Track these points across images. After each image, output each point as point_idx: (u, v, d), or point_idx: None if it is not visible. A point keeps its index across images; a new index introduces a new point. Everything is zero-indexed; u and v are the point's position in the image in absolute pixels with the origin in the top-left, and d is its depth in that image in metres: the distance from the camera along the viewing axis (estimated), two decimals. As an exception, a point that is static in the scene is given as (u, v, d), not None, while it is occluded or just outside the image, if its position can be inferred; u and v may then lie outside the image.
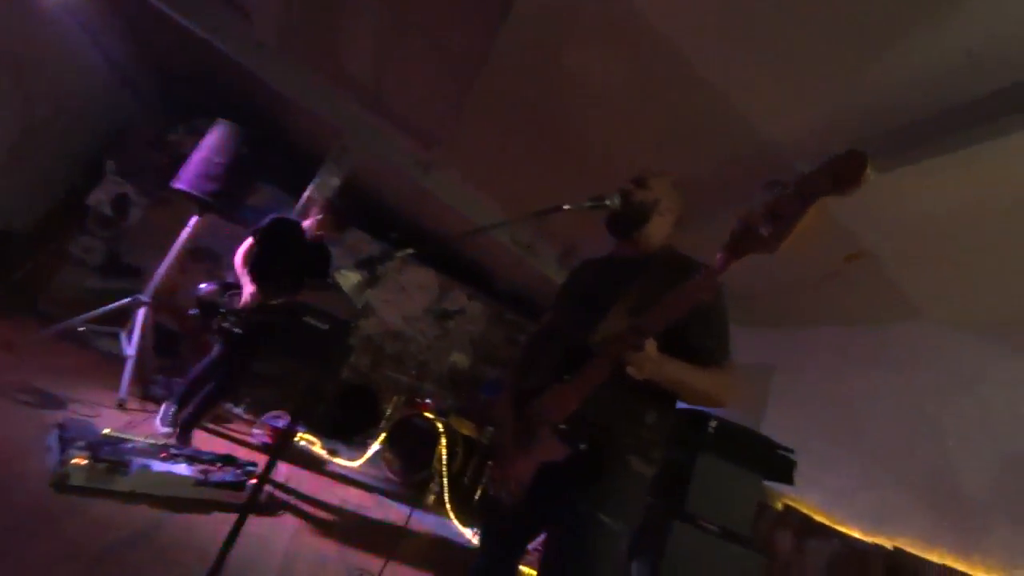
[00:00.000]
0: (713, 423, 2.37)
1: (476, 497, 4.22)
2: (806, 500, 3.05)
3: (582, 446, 1.27)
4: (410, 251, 1.41)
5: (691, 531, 2.26)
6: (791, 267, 3.37)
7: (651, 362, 1.19)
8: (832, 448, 3.09)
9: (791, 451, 2.54)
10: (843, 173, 0.95)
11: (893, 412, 2.93)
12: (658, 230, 1.54)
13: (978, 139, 1.92)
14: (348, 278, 1.28)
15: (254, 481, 2.83)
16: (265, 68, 3.33)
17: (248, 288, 2.97)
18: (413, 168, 3.84)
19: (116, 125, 3.93)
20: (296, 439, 4.16)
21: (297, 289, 3.10)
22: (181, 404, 3.02)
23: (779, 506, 3.13)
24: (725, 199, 2.86)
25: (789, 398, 3.69)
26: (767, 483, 2.57)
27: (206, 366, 3.05)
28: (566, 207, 1.49)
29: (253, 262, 3.06)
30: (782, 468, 2.52)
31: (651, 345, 1.19)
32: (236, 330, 2.90)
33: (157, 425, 2.99)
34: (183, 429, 2.92)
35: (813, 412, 3.40)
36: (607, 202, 1.48)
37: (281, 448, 1.65)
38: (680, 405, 1.41)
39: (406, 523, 2.98)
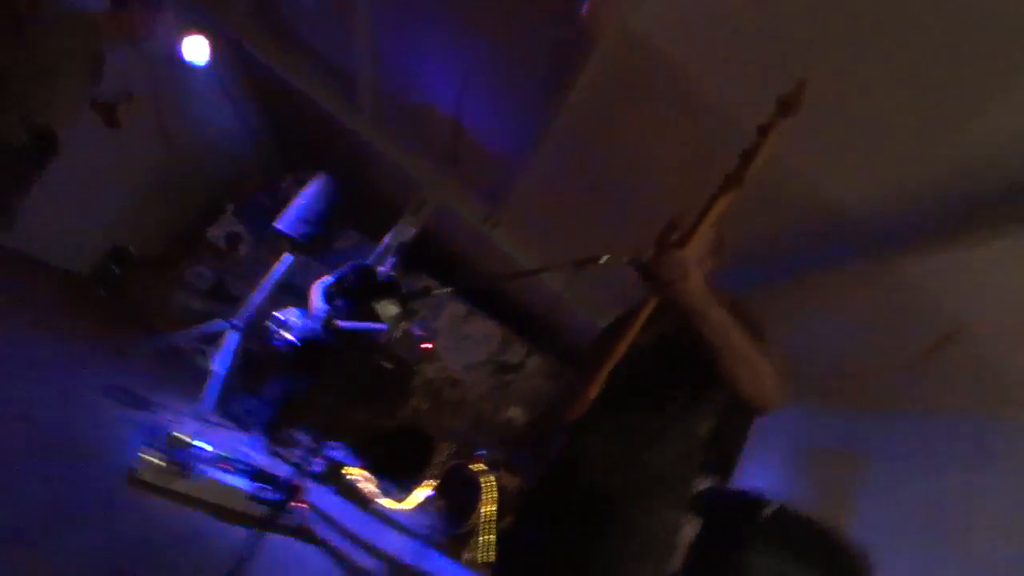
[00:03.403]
0: (769, 508, 2.10)
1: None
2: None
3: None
4: (448, 289, 1.50)
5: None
6: (879, 346, 3.06)
7: (691, 280, 1.01)
8: (926, 559, 2.62)
9: (868, 554, 2.19)
10: (786, 98, 1.07)
11: (1001, 522, 2.44)
12: None
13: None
14: (388, 308, 1.36)
15: (301, 504, 2.96)
16: (363, 129, 3.83)
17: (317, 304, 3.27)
18: (482, 224, 4.11)
19: (238, 172, 4.64)
20: (348, 473, 4.28)
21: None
22: (270, 420, 3.31)
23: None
24: (784, 262, 2.72)
25: (881, 493, 3.21)
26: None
27: (280, 383, 3.33)
28: (603, 259, 1.51)
29: (328, 295, 3.38)
30: (855, 575, 2.17)
31: (688, 256, 1.03)
32: (296, 343, 3.19)
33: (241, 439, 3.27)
34: (269, 433, 3.20)
35: (907, 513, 2.92)
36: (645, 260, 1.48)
37: (312, 472, 1.71)
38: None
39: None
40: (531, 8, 2.48)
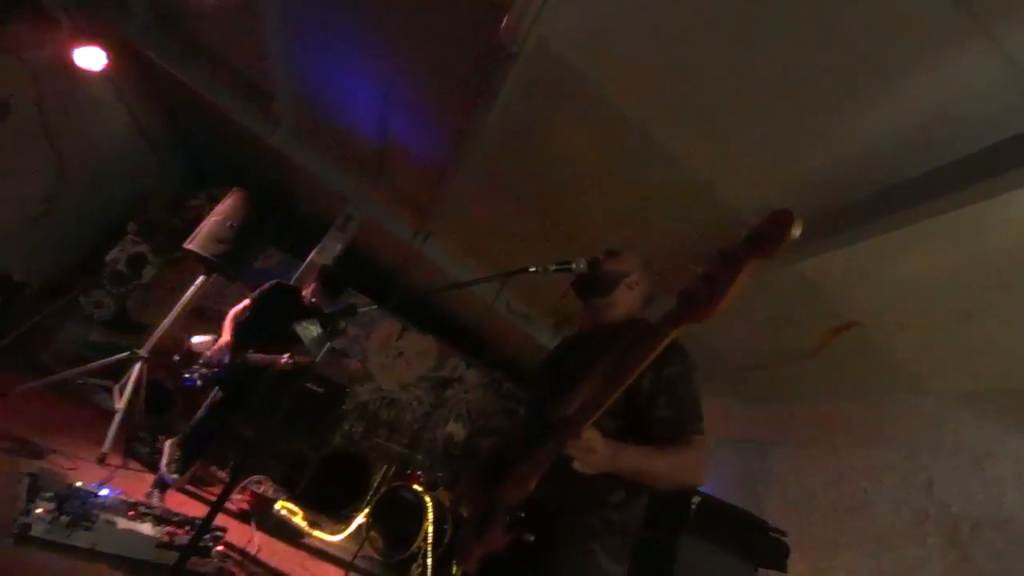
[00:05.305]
0: (696, 499, 2.24)
1: (460, 580, 3.93)
2: (808, 594, 2.80)
3: (530, 537, 1.16)
4: (374, 307, 1.48)
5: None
6: (780, 340, 3.37)
7: (596, 454, 1.09)
8: (837, 533, 2.88)
9: (784, 533, 2.39)
10: (769, 234, 0.93)
11: (899, 493, 2.72)
12: (624, 301, 1.53)
13: (940, 209, 1.89)
14: (309, 330, 1.32)
15: (221, 548, 2.74)
16: (281, 143, 3.67)
17: (224, 338, 3.06)
18: (410, 236, 4.08)
19: (142, 189, 4.25)
20: (276, 508, 4.01)
21: (280, 351, 3.13)
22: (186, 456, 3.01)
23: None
24: (695, 267, 2.96)
25: (790, 477, 3.50)
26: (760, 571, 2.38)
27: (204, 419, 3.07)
28: (532, 269, 1.56)
29: (243, 321, 3.17)
30: (775, 553, 2.36)
31: (593, 436, 1.09)
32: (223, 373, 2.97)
33: (163, 472, 2.94)
34: (183, 470, 2.93)
35: (815, 492, 3.20)
36: (573, 266, 1.51)
37: (224, 503, 1.58)
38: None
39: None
40: (451, 23, 2.53)
